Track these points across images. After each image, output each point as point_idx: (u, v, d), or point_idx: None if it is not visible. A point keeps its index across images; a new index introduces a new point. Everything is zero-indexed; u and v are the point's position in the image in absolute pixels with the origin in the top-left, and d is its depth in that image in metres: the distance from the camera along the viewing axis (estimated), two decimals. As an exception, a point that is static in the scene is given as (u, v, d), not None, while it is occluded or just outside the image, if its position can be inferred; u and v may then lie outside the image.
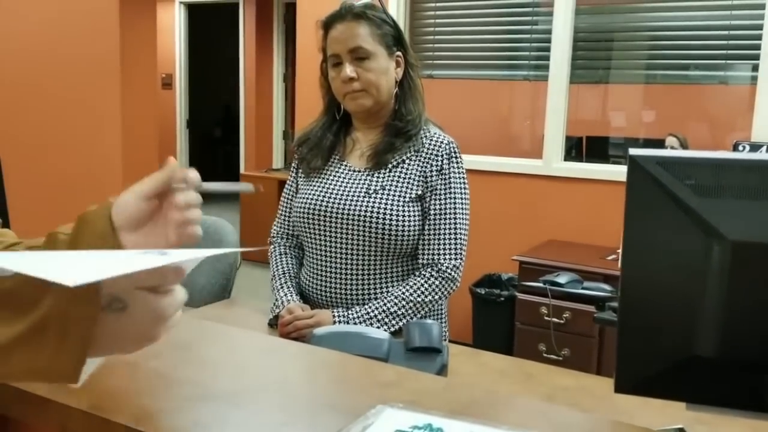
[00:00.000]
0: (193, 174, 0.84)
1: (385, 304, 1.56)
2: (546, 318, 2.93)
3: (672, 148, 3.38)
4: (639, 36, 3.66)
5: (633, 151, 0.92)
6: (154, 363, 0.96)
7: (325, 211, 1.62)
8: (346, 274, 1.60)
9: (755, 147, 3.02)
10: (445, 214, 1.59)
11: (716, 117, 3.80)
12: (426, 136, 1.63)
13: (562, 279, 2.84)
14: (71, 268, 0.67)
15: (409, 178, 1.59)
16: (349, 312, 1.56)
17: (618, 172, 3.41)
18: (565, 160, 3.72)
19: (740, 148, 3.02)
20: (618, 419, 1.00)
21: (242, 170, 6.78)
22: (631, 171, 0.93)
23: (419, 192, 1.59)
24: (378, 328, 1.50)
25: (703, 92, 3.81)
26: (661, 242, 0.94)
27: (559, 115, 3.65)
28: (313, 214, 1.63)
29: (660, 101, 4.06)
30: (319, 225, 1.63)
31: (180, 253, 0.77)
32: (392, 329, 1.52)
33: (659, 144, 3.50)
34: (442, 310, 1.68)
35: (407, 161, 1.61)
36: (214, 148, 9.20)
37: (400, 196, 1.57)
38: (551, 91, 3.65)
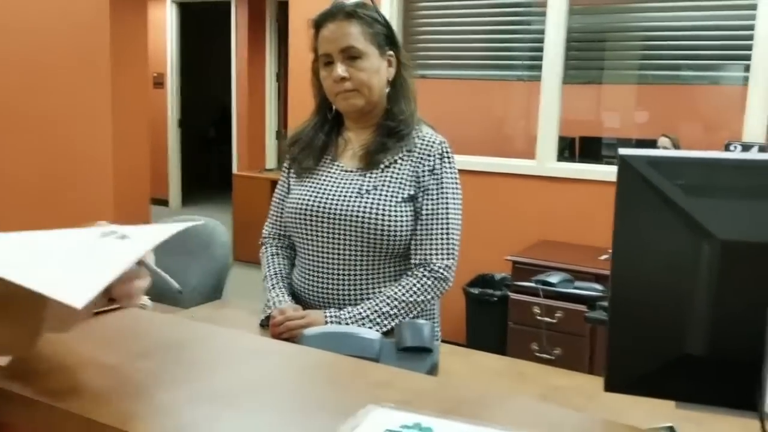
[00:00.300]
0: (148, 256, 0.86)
1: (377, 305, 1.55)
2: (538, 317, 2.94)
3: (665, 148, 3.39)
4: (632, 36, 3.67)
5: (623, 151, 0.92)
6: (143, 363, 0.96)
7: (317, 211, 1.61)
8: (338, 274, 1.60)
9: (747, 147, 3.03)
10: (437, 214, 1.59)
11: (708, 117, 3.82)
12: (418, 136, 1.63)
13: (554, 279, 2.85)
14: (66, 280, 0.69)
15: (401, 178, 1.59)
16: (341, 312, 1.55)
17: (611, 172, 3.42)
18: (559, 160, 3.73)
19: (731, 148, 3.04)
20: (610, 418, 1.00)
21: (235, 170, 6.76)
22: (621, 171, 0.93)
23: (411, 192, 1.58)
24: (370, 328, 1.50)
25: (695, 93, 3.82)
26: (651, 242, 0.94)
27: (552, 116, 3.66)
28: (305, 214, 1.63)
29: (653, 102, 4.08)
30: (311, 225, 1.62)
31: (140, 236, 0.80)
32: (384, 329, 1.52)
33: (652, 144, 3.51)
34: (434, 309, 1.68)
35: (399, 161, 1.60)
36: (206, 147, 9.18)
37: (392, 196, 1.57)
38: (544, 92, 3.66)
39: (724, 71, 3.49)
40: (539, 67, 3.65)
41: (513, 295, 3.11)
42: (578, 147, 4.30)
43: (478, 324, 3.39)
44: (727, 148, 3.03)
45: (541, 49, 3.63)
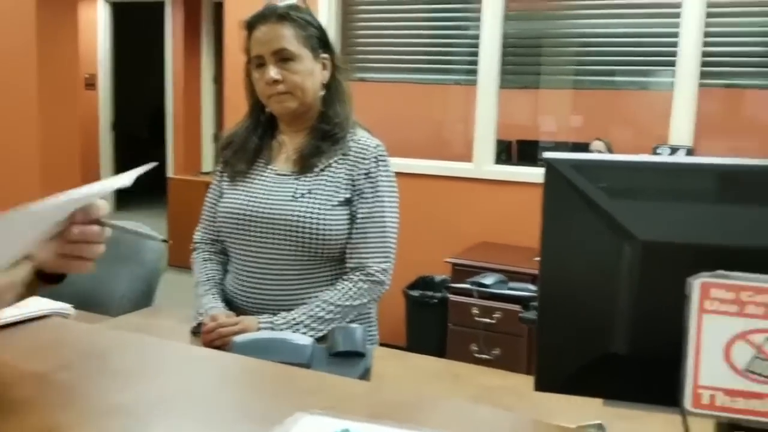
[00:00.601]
0: (101, 204, 0.84)
1: (312, 309, 1.54)
2: (477, 319, 2.97)
3: (598, 151, 3.48)
4: (566, 42, 3.76)
5: (548, 155, 0.94)
6: (64, 375, 0.92)
7: (251, 215, 1.59)
8: (273, 279, 1.58)
9: (674, 150, 3.15)
10: (373, 217, 1.58)
11: (640, 121, 3.94)
12: (353, 140, 1.62)
13: (488, 280, 2.89)
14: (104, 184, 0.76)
15: (336, 181, 1.58)
16: (276, 318, 1.53)
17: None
18: (497, 163, 3.78)
19: (659, 151, 3.14)
20: (541, 417, 1.02)
21: (170, 173, 6.60)
22: (547, 174, 0.94)
23: (347, 196, 1.58)
24: (305, 333, 1.48)
25: (627, 97, 3.94)
26: (577, 243, 0.96)
27: (489, 120, 3.71)
28: (239, 219, 1.60)
29: (587, 106, 4.18)
30: (244, 230, 1.60)
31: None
32: (320, 334, 1.50)
33: (586, 148, 3.60)
34: (371, 313, 1.68)
35: (334, 165, 1.59)
36: (140, 150, 8.90)
37: (326, 200, 1.56)
38: (481, 96, 3.71)
39: (654, 77, 3.60)
40: (477, 72, 3.71)
41: (452, 297, 3.14)
42: (516, 150, 4.37)
43: (418, 326, 3.41)
44: (654, 151, 3.13)
45: (478, 54, 3.68)
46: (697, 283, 0.85)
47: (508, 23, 3.66)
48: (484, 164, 3.74)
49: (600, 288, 0.95)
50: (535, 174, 3.58)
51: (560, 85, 4.01)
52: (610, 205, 0.92)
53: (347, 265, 1.59)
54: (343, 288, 1.57)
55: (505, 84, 3.72)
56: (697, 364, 0.85)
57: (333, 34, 3.97)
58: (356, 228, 1.58)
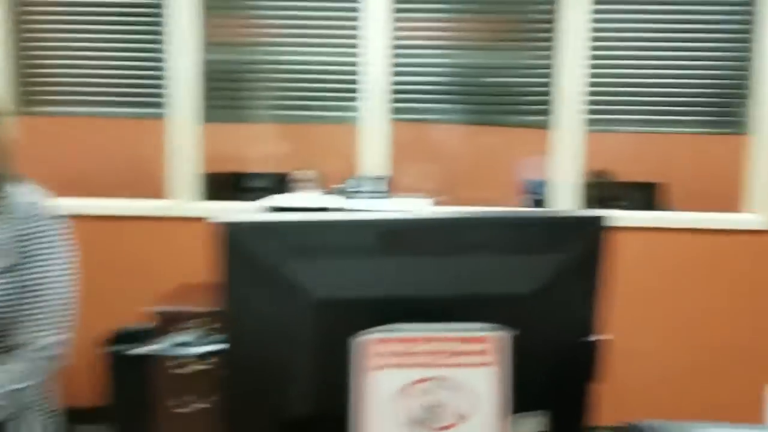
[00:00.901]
0: None
1: (-31, 399, 1.30)
2: (178, 372, 2.84)
3: (305, 181, 3.60)
4: (272, 77, 3.81)
5: (223, 218, 0.90)
6: None
7: None
8: None
9: (363, 181, 3.38)
10: (41, 284, 1.39)
11: (342, 152, 4.15)
12: (12, 197, 1.41)
13: (186, 337, 2.79)
14: None
15: (-7, 246, 1.36)
16: None
17: (252, 207, 3.47)
18: (200, 199, 3.67)
19: (351, 181, 3.36)
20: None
21: None
22: (222, 236, 0.91)
23: (7, 263, 1.36)
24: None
25: (330, 129, 4.13)
26: (257, 306, 0.93)
27: (187, 154, 3.60)
28: None
29: (295, 137, 4.29)
30: None
31: None
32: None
33: (290, 178, 3.68)
34: (47, 392, 1.47)
35: (-12, 227, 1.37)
36: None
37: (-20, 269, 1.33)
38: (176, 130, 3.59)
39: (353, 110, 3.82)
40: (172, 105, 3.58)
41: (151, 351, 2.95)
42: (221, 184, 4.30)
43: (120, 383, 3.13)
44: (348, 181, 3.33)
45: (171, 86, 3.56)
46: (361, 341, 0.86)
47: (209, 54, 3.59)
48: (184, 201, 3.61)
49: (281, 350, 0.94)
50: (240, 208, 3.54)
51: (268, 118, 4.06)
52: (284, 264, 0.91)
53: (15, 341, 1.38)
54: (9, 369, 1.35)
55: (210, 117, 3.64)
56: (367, 422, 0.86)
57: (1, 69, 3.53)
58: (22, 299, 1.37)
